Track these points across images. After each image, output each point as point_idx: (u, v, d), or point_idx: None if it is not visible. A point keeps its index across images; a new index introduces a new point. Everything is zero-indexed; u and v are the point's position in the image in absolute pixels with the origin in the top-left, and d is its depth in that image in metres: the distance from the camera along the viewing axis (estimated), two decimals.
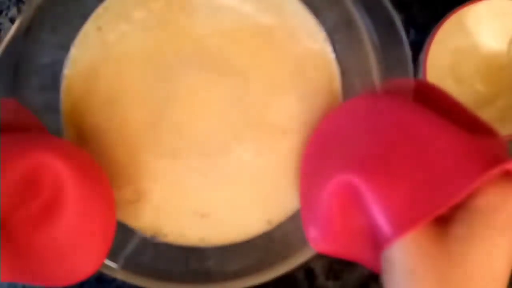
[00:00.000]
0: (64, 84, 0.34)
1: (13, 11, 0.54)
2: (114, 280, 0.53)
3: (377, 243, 0.28)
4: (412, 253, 0.25)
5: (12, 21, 0.53)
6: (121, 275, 0.33)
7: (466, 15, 0.49)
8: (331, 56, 0.34)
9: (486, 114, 0.52)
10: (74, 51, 0.34)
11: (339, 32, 0.32)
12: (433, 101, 0.32)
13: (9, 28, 0.53)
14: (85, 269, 0.30)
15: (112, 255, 0.32)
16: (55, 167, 0.29)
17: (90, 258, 0.31)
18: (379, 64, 0.29)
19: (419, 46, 0.53)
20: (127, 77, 0.34)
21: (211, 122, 0.35)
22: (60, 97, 0.34)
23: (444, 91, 0.34)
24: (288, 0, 0.33)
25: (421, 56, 0.49)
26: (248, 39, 0.34)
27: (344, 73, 0.33)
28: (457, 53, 0.52)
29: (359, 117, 0.32)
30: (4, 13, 0.54)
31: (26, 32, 0.31)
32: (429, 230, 0.25)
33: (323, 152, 0.33)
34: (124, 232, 0.36)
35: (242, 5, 0.34)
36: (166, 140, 0.35)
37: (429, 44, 0.48)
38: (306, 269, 0.53)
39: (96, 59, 0.34)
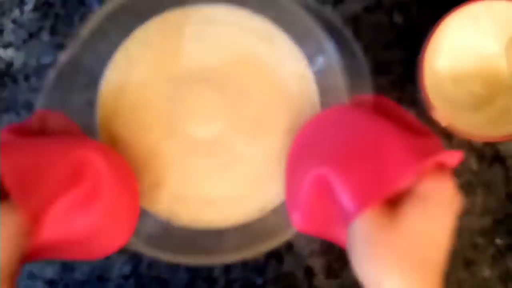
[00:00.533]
0: (100, 99, 0.42)
1: (15, 12, 0.54)
2: (115, 279, 0.54)
3: (345, 222, 0.34)
4: (369, 225, 0.31)
5: (14, 22, 0.54)
6: (141, 249, 0.40)
7: (464, 16, 0.48)
8: (311, 77, 0.42)
9: (484, 115, 0.52)
10: (108, 73, 0.43)
11: (317, 59, 0.41)
12: (387, 110, 0.41)
13: (12, 29, 0.54)
14: (114, 245, 0.37)
15: (135, 233, 0.39)
16: (96, 163, 0.36)
17: (119, 236, 0.38)
18: (347, 83, 0.39)
19: (417, 47, 0.53)
20: (147, 93, 0.42)
21: (215, 126, 0.43)
22: (96, 109, 0.42)
23: (395, 103, 0.44)
24: (277, 32, 0.42)
25: (419, 57, 0.49)
26: (247, 62, 0.42)
27: (321, 90, 0.42)
28: (455, 54, 0.52)
29: (329, 124, 0.41)
30: (6, 14, 0.54)
31: (70, 59, 0.39)
32: (383, 209, 0.33)
33: (302, 151, 0.41)
34: (144, 215, 0.43)
35: (242, 34, 0.42)
36: (179, 142, 0.43)
37: (427, 45, 0.48)
38: (306, 268, 0.54)
39: (124, 79, 0.43)
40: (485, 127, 0.51)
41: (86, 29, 0.39)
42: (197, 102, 0.42)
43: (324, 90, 0.42)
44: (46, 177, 0.33)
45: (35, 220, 0.33)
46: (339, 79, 0.38)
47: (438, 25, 0.48)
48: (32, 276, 0.54)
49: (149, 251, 0.41)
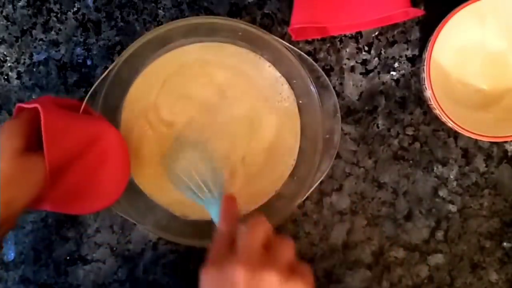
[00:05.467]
0: (125, 103, 0.52)
1: (7, 8, 0.53)
2: (110, 283, 0.52)
3: None
4: None
5: (7, 18, 0.52)
6: (151, 229, 0.50)
7: (470, 13, 0.47)
8: (296, 110, 0.53)
9: (492, 114, 0.51)
10: (131, 88, 0.52)
11: (302, 97, 0.52)
12: None
13: (4, 26, 0.52)
14: (111, 198, 0.46)
15: (142, 218, 0.50)
16: (110, 135, 0.46)
17: (116, 191, 0.46)
18: (322, 114, 0.49)
19: (423, 44, 0.52)
20: (160, 109, 0.52)
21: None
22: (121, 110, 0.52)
23: None
24: (274, 71, 0.52)
25: (425, 55, 0.48)
26: (255, 97, 0.52)
27: (302, 119, 0.53)
28: (462, 52, 0.51)
29: None
30: None
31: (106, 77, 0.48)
32: None
33: None
34: (153, 205, 0.53)
35: (256, 78, 0.52)
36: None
37: (432, 42, 0.46)
38: None
39: (145, 90, 0.52)
40: (493, 126, 0.49)
41: (124, 54, 0.48)
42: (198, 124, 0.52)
43: (305, 118, 0.52)
44: (70, 140, 0.43)
45: (53, 173, 0.42)
46: (316, 111, 0.49)
47: (444, 23, 0.47)
48: (26, 280, 0.53)
49: (157, 233, 0.51)
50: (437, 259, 0.53)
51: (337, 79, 0.53)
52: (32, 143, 0.42)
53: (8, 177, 0.39)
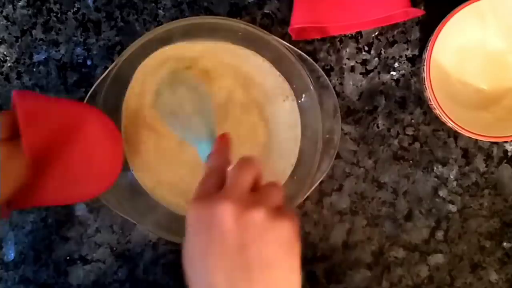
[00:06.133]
0: (125, 101, 0.51)
1: (7, 8, 0.53)
2: (110, 283, 0.52)
3: None
4: None
5: (7, 18, 0.52)
6: (151, 229, 0.51)
7: (469, 13, 0.47)
8: (296, 110, 0.52)
9: (492, 114, 0.51)
10: (130, 86, 0.51)
11: (303, 95, 0.52)
12: None
13: (4, 26, 0.52)
14: (108, 181, 0.45)
15: (142, 218, 0.51)
16: (92, 116, 0.44)
17: (111, 172, 0.46)
18: (322, 114, 0.50)
19: (423, 44, 0.52)
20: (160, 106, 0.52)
21: None
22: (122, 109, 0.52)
23: None
24: (276, 74, 0.52)
25: (425, 55, 0.48)
26: (254, 97, 0.53)
27: (302, 119, 0.52)
28: (462, 52, 0.51)
29: None
30: None
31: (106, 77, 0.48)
32: None
33: None
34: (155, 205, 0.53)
35: (256, 78, 0.52)
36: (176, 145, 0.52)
37: (432, 42, 0.47)
38: (308, 272, 0.52)
39: (141, 89, 0.52)
40: (493, 126, 0.49)
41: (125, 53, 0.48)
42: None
43: (304, 116, 0.52)
44: (50, 123, 0.41)
45: (40, 162, 0.40)
46: (315, 109, 0.49)
47: (444, 23, 0.47)
48: (26, 280, 0.53)
49: (157, 233, 0.51)
50: (437, 259, 0.53)
51: (337, 79, 0.53)
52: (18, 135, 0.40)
53: None
